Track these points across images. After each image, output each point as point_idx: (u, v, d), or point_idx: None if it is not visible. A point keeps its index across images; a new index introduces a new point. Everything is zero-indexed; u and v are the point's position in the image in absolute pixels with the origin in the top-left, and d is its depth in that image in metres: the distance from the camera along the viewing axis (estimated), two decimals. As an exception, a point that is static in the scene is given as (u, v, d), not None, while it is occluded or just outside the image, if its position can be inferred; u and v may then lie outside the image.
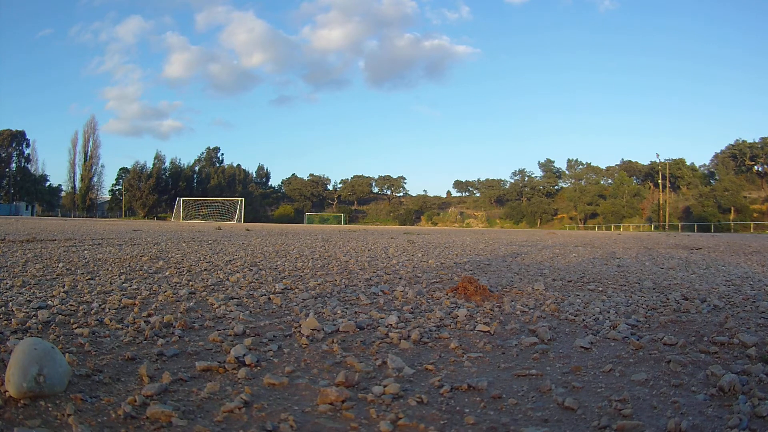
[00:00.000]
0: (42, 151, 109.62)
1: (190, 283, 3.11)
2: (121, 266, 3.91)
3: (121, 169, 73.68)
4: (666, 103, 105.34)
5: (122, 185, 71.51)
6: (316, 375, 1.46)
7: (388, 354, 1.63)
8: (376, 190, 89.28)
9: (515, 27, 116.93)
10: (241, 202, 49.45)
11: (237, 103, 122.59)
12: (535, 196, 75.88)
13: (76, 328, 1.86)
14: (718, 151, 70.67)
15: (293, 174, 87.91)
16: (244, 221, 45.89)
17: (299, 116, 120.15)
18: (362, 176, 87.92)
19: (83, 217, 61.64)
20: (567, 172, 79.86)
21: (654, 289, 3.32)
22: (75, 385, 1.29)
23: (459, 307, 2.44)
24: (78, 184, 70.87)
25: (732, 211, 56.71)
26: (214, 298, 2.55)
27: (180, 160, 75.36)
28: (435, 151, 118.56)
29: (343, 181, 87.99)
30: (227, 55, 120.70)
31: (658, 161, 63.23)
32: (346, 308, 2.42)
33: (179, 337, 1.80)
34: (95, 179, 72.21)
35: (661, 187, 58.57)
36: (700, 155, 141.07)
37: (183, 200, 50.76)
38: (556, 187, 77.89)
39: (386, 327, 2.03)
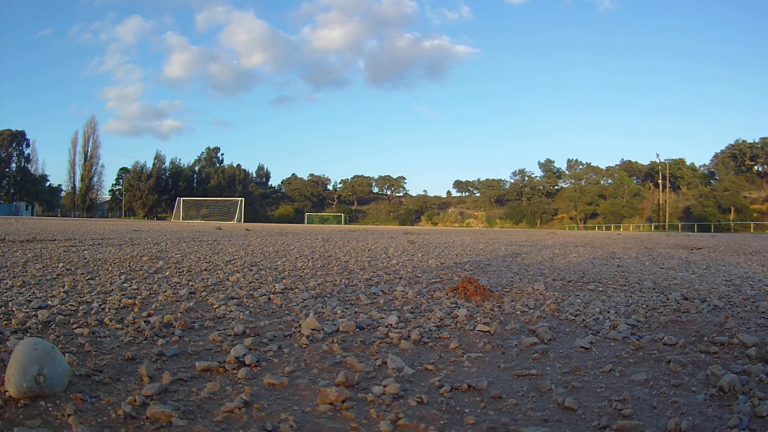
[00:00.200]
0: (42, 151, 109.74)
1: (190, 283, 3.11)
2: (121, 266, 3.91)
3: (121, 169, 73.75)
4: (666, 103, 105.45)
5: (122, 185, 71.51)
6: (316, 375, 1.46)
7: (388, 354, 1.63)
8: (376, 190, 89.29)
9: (515, 27, 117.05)
10: (241, 202, 49.45)
11: (237, 103, 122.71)
12: (535, 196, 75.88)
13: (76, 328, 1.86)
14: (718, 151, 70.77)
15: (293, 174, 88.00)
16: (244, 221, 45.89)
17: (299, 116, 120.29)
18: (362, 176, 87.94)
19: (83, 217, 61.65)
20: (567, 172, 79.90)
21: (654, 289, 3.32)
22: (75, 385, 1.29)
23: (459, 307, 2.44)
24: (78, 184, 70.88)
25: (732, 211, 56.71)
26: (214, 298, 2.55)
27: (180, 160, 75.44)
28: (435, 151, 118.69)
29: (343, 181, 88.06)
30: (227, 55, 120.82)
31: (658, 161, 63.28)
32: (346, 308, 2.42)
33: (179, 337, 1.80)
34: (95, 179, 72.26)
35: (661, 187, 58.58)
36: (700, 155, 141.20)
37: (183, 200, 50.76)
38: (556, 187, 77.89)
39: (386, 327, 2.03)
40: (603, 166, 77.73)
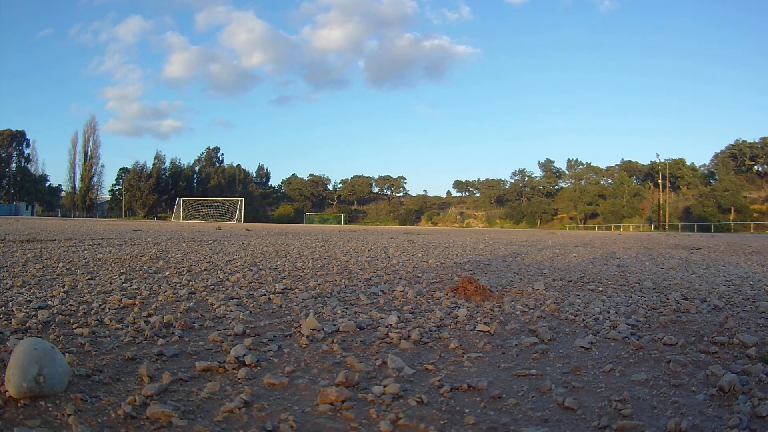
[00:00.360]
0: (42, 151, 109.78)
1: (190, 283, 3.11)
2: (121, 266, 3.91)
3: (121, 169, 73.76)
4: (666, 103, 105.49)
5: (122, 185, 71.52)
6: (316, 375, 1.46)
7: (388, 354, 1.63)
8: (376, 190, 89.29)
9: (515, 27, 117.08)
10: (241, 202, 49.45)
11: (237, 103, 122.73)
12: (535, 196, 75.88)
13: (76, 328, 1.86)
14: (718, 151, 70.78)
15: (293, 174, 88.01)
16: (244, 221, 45.89)
17: (299, 116, 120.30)
18: (362, 176, 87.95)
19: (83, 217, 61.65)
20: (567, 172, 79.91)
21: (654, 289, 3.32)
22: (75, 385, 1.29)
23: (459, 307, 2.44)
24: (78, 184, 70.89)
25: (732, 211, 56.72)
26: (214, 298, 2.55)
27: (180, 160, 75.45)
28: (435, 151, 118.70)
29: (343, 181, 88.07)
30: (227, 55, 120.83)
31: (658, 161, 63.28)
32: (346, 308, 2.42)
33: (179, 337, 1.80)
34: (95, 179, 72.27)
35: (661, 187, 58.57)
36: (700, 155, 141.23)
37: (183, 200, 50.76)
38: (556, 187, 77.89)
39: (386, 327, 2.03)
40: (603, 166, 77.87)
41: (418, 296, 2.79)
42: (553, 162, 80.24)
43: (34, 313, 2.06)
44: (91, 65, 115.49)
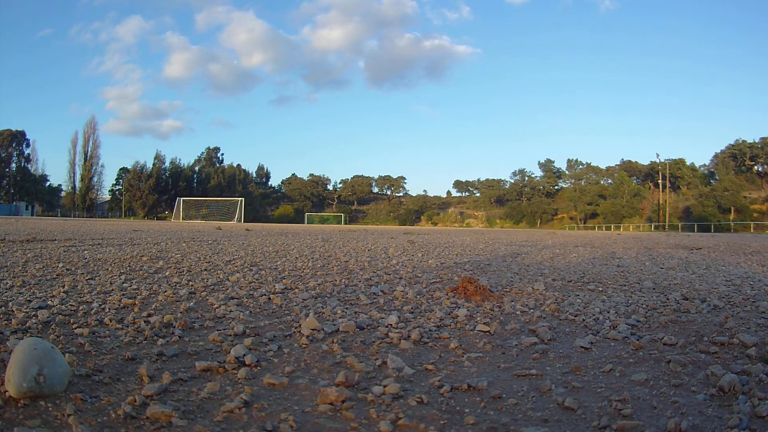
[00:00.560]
0: (42, 151, 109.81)
1: (190, 283, 3.11)
2: (121, 266, 3.91)
3: (121, 169, 73.77)
4: (666, 103, 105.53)
5: (122, 185, 71.52)
6: (316, 375, 1.46)
7: (388, 354, 1.63)
8: (376, 190, 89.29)
9: (515, 27, 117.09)
10: (241, 202, 49.46)
11: (237, 103, 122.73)
12: (535, 196, 75.88)
13: (76, 328, 1.86)
14: (718, 151, 70.78)
15: (293, 174, 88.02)
16: (244, 221, 45.89)
17: (299, 116, 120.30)
18: (362, 176, 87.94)
19: (83, 217, 61.65)
20: (567, 172, 79.91)
21: (654, 289, 3.32)
22: (75, 385, 1.29)
23: (459, 307, 2.44)
24: (78, 184, 70.91)
25: (732, 211, 56.71)
26: (214, 298, 2.55)
27: (180, 160, 75.44)
28: (435, 151, 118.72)
29: (343, 181, 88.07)
30: (227, 55, 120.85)
31: (658, 161, 63.28)
32: (346, 308, 2.42)
33: (179, 337, 1.80)
34: (95, 179, 72.29)
35: (661, 187, 58.57)
36: (700, 155, 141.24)
37: (183, 200, 50.78)
38: (556, 187, 77.89)
39: (386, 327, 2.03)
40: (603, 166, 77.87)
41: (418, 296, 2.79)
42: (553, 162, 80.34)
43: (34, 313, 2.06)
44: (91, 65, 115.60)
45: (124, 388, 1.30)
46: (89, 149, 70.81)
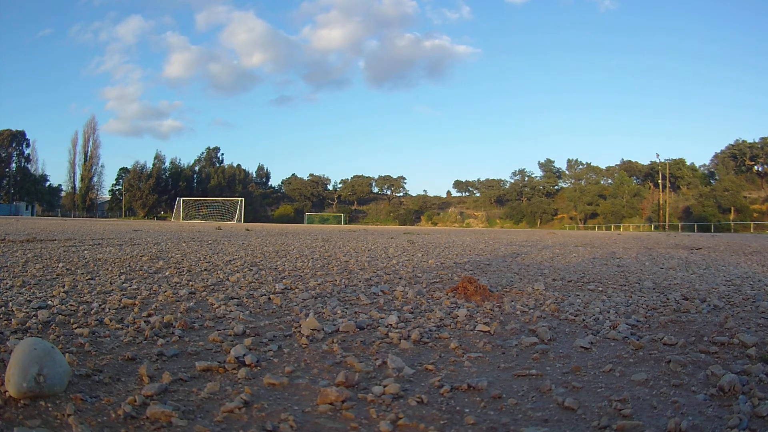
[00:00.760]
0: (42, 151, 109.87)
1: (190, 283, 3.11)
2: (121, 266, 3.91)
3: (121, 169, 73.80)
4: (666, 103, 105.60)
5: (122, 185, 71.55)
6: (316, 375, 1.46)
7: (388, 354, 1.63)
8: (376, 190, 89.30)
9: (515, 27, 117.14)
10: (241, 202, 49.46)
11: (237, 103, 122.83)
12: (535, 196, 75.89)
13: (76, 328, 1.86)
14: (718, 151, 70.80)
15: (293, 174, 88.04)
16: (244, 221, 45.89)
17: (299, 116, 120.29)
18: (362, 176, 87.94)
19: (83, 217, 61.64)
20: (567, 172, 79.93)
21: (654, 289, 3.32)
22: (75, 385, 1.29)
23: (459, 307, 2.44)
24: (78, 184, 70.94)
25: (732, 211, 56.71)
26: (214, 298, 2.55)
27: (180, 160, 75.51)
28: (435, 151, 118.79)
29: (343, 181, 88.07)
30: (227, 55, 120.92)
31: (658, 161, 63.29)
32: (346, 308, 2.42)
33: (179, 337, 1.80)
34: (95, 179, 72.36)
35: (661, 187, 58.57)
36: (700, 155, 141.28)
37: (183, 200, 50.78)
38: (556, 187, 77.90)
39: (386, 327, 2.03)
40: (603, 166, 77.90)
41: (418, 296, 2.79)
42: (553, 162, 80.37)
43: (34, 313, 2.06)
44: (91, 65, 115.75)
45: (124, 388, 1.30)
46: (89, 149, 70.91)
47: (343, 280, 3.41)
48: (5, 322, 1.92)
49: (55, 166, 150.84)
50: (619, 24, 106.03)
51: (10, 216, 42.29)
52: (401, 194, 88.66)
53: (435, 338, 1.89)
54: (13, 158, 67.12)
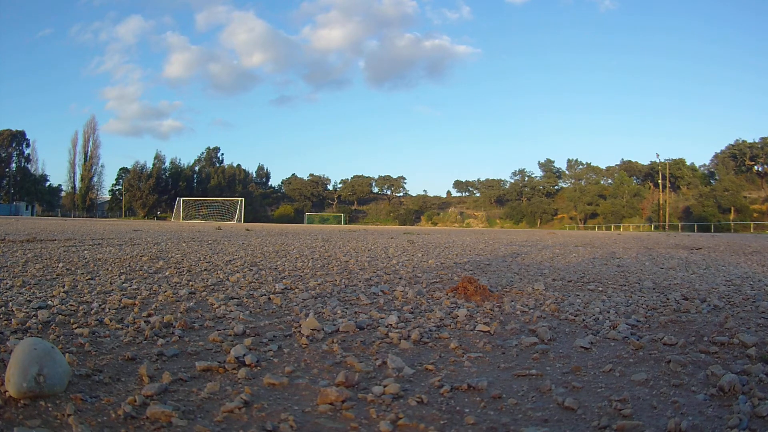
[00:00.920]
0: (42, 151, 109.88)
1: (190, 283, 3.11)
2: (121, 266, 3.90)
3: (121, 169, 73.80)
4: (666, 103, 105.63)
5: (122, 185, 71.56)
6: (316, 375, 1.46)
7: (388, 354, 1.63)
8: (376, 190, 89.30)
9: (515, 27, 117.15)
10: (241, 202, 49.46)
11: (237, 103, 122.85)
12: (535, 196, 75.89)
13: (76, 328, 1.86)
14: (718, 151, 70.80)
15: (293, 174, 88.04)
16: (244, 221, 45.89)
17: (299, 116, 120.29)
18: (362, 176, 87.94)
19: (83, 217, 61.64)
20: (567, 172, 79.93)
21: (654, 289, 3.32)
22: (75, 385, 1.29)
23: (459, 307, 2.44)
24: (78, 184, 70.96)
25: (732, 211, 56.71)
26: (214, 298, 2.55)
27: (180, 160, 75.52)
28: (435, 151, 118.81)
29: (343, 181, 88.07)
30: (227, 55, 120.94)
31: (658, 161, 63.29)
32: (346, 308, 2.42)
33: (179, 337, 1.80)
34: (95, 179, 72.38)
35: (661, 187, 58.57)
36: (700, 155, 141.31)
37: (183, 200, 50.78)
38: (556, 187, 77.90)
39: (386, 327, 2.03)
40: (603, 166, 77.91)
41: (418, 296, 2.79)
42: (553, 162, 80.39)
43: (34, 313, 2.06)
44: (91, 65, 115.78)
45: (124, 388, 1.30)
46: (89, 149, 70.93)
47: (343, 280, 3.41)
48: (5, 322, 1.92)
49: (55, 166, 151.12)
50: (619, 24, 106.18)
51: (10, 216, 42.30)
52: (401, 194, 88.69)
53: (435, 338, 1.89)
54: (13, 158, 67.15)
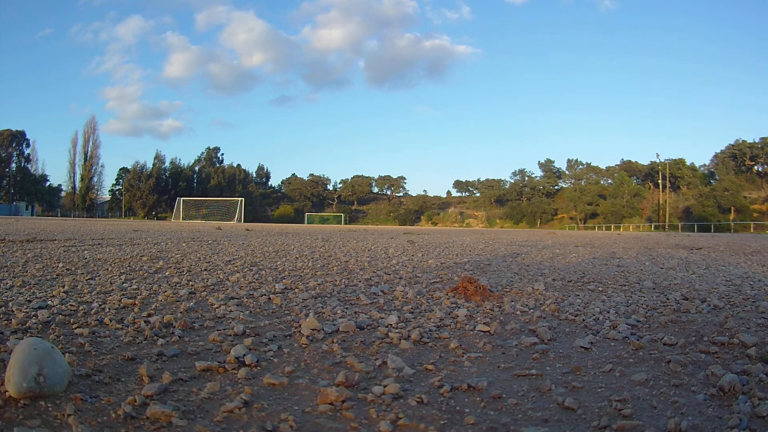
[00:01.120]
0: (42, 151, 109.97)
1: (190, 283, 3.11)
2: (121, 266, 3.90)
3: (121, 169, 73.82)
4: (666, 103, 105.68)
5: (122, 185, 71.58)
6: (316, 375, 1.46)
7: (388, 354, 1.63)
8: (376, 190, 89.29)
9: (515, 27, 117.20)
10: (241, 202, 49.47)
11: (237, 103, 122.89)
12: (535, 196, 75.89)
13: (76, 328, 1.86)
14: (718, 151, 70.80)
15: (293, 174, 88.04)
16: (244, 221, 45.89)
17: (299, 116, 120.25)
18: (362, 176, 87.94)
19: (83, 217, 61.64)
20: (567, 172, 79.92)
21: (654, 289, 3.32)
22: (75, 385, 1.29)
23: (459, 307, 2.44)
24: (78, 184, 70.98)
25: (732, 211, 56.71)
26: (214, 298, 2.55)
27: (180, 160, 75.58)
28: (435, 151, 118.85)
29: (343, 181, 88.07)
30: (227, 55, 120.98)
31: (658, 161, 63.30)
32: (346, 308, 2.42)
33: (179, 337, 1.80)
34: (95, 179, 72.41)
35: (661, 187, 58.57)
36: (700, 155, 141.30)
37: (183, 200, 50.79)
38: (556, 187, 77.90)
39: (386, 327, 2.03)
40: (603, 166, 77.91)
41: (418, 296, 2.79)
42: (553, 162, 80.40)
43: (34, 313, 2.06)
44: (91, 65, 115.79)
45: (124, 388, 1.30)
46: (89, 149, 70.96)
47: (343, 280, 3.41)
48: (5, 322, 1.92)
49: (55, 166, 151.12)
50: (619, 24, 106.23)
51: (10, 216, 42.30)
52: (401, 194, 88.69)
53: (435, 338, 1.89)
54: (13, 158, 67.17)
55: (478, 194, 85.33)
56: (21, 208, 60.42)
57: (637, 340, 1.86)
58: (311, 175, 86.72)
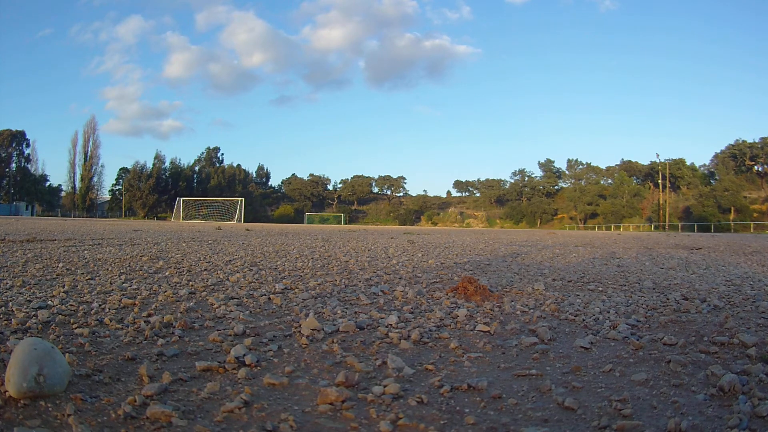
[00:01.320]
0: (42, 151, 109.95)
1: (190, 283, 3.11)
2: (121, 266, 3.90)
3: (121, 169, 73.82)
4: (666, 103, 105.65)
5: (122, 185, 71.58)
6: (316, 375, 1.46)
7: (388, 354, 1.63)
8: (376, 190, 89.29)
9: (515, 27, 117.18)
10: (241, 202, 49.46)
11: (237, 103, 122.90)
12: (535, 196, 75.89)
13: (76, 328, 1.86)
14: (718, 151, 70.80)
15: (293, 174, 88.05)
16: (244, 221, 45.89)
17: (299, 116, 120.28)
18: (362, 176, 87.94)
19: (83, 217, 61.64)
20: (567, 172, 79.93)
21: (654, 289, 3.32)
22: (75, 385, 1.29)
23: (459, 307, 2.44)
24: (78, 184, 70.98)
25: (732, 211, 56.71)
26: (214, 298, 2.55)
27: (180, 160, 75.58)
28: (435, 151, 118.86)
29: (343, 181, 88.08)
30: (227, 54, 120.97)
31: (658, 161, 63.30)
32: (346, 308, 2.42)
33: (179, 337, 1.80)
34: (95, 179, 72.41)
35: (661, 187, 58.56)
36: (700, 155, 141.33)
37: (183, 200, 50.78)
38: (556, 187, 77.90)
39: (386, 327, 2.03)
40: (603, 166, 77.92)
41: (418, 296, 2.79)
42: (553, 162, 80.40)
43: (34, 313, 2.06)
44: (91, 65, 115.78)
45: (124, 388, 1.30)
46: (89, 149, 70.96)
47: (343, 280, 3.41)
48: (5, 322, 1.92)
49: (55, 166, 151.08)
50: (619, 24, 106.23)
51: (10, 216, 42.30)
52: (401, 194, 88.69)
53: (435, 338, 1.89)
54: (13, 158, 67.17)
55: (478, 194, 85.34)
56: (21, 208, 60.42)
57: (637, 340, 1.86)
58: (311, 175, 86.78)
